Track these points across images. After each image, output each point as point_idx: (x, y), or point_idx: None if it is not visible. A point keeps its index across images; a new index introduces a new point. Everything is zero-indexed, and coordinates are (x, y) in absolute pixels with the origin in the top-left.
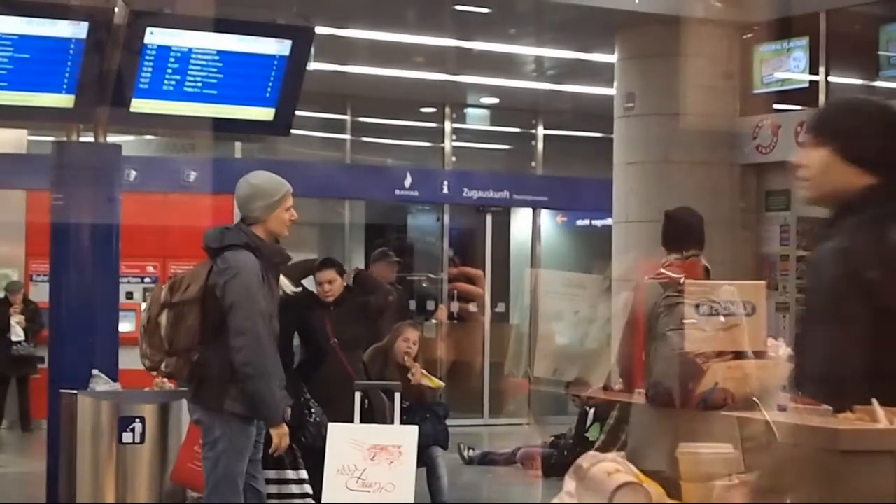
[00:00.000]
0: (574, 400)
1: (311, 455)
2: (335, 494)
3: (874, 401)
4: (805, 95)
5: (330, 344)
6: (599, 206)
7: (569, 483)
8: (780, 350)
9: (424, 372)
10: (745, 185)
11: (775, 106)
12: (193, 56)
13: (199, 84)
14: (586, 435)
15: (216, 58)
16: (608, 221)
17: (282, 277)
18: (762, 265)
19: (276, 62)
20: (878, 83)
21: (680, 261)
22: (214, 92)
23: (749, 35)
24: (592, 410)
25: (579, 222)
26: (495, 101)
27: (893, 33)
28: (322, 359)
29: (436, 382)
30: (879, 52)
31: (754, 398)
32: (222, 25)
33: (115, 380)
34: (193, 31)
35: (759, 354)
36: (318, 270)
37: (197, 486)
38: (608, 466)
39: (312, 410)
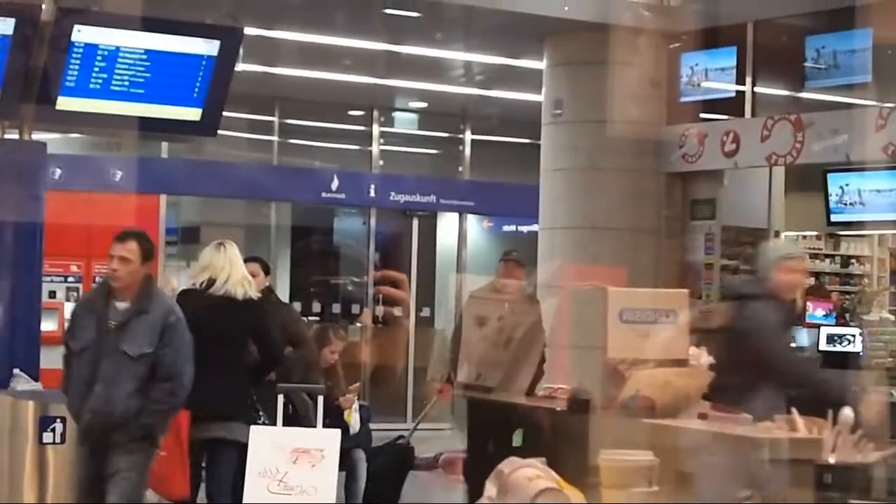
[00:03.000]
0: None
1: None
2: (256, 497)
3: (794, 410)
4: (732, 105)
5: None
6: (526, 212)
7: (490, 488)
8: (702, 358)
9: (356, 408)
10: (671, 193)
11: (702, 115)
12: (121, 54)
13: (126, 83)
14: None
15: (144, 57)
16: (534, 227)
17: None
18: (686, 274)
19: (204, 62)
20: (803, 94)
21: None
22: (141, 91)
23: (677, 44)
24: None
25: (505, 228)
26: (423, 105)
27: (819, 44)
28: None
29: (353, 419)
30: (805, 63)
31: None
32: (150, 24)
33: (36, 379)
34: (121, 29)
35: (680, 362)
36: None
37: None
38: (529, 472)
39: (260, 413)
